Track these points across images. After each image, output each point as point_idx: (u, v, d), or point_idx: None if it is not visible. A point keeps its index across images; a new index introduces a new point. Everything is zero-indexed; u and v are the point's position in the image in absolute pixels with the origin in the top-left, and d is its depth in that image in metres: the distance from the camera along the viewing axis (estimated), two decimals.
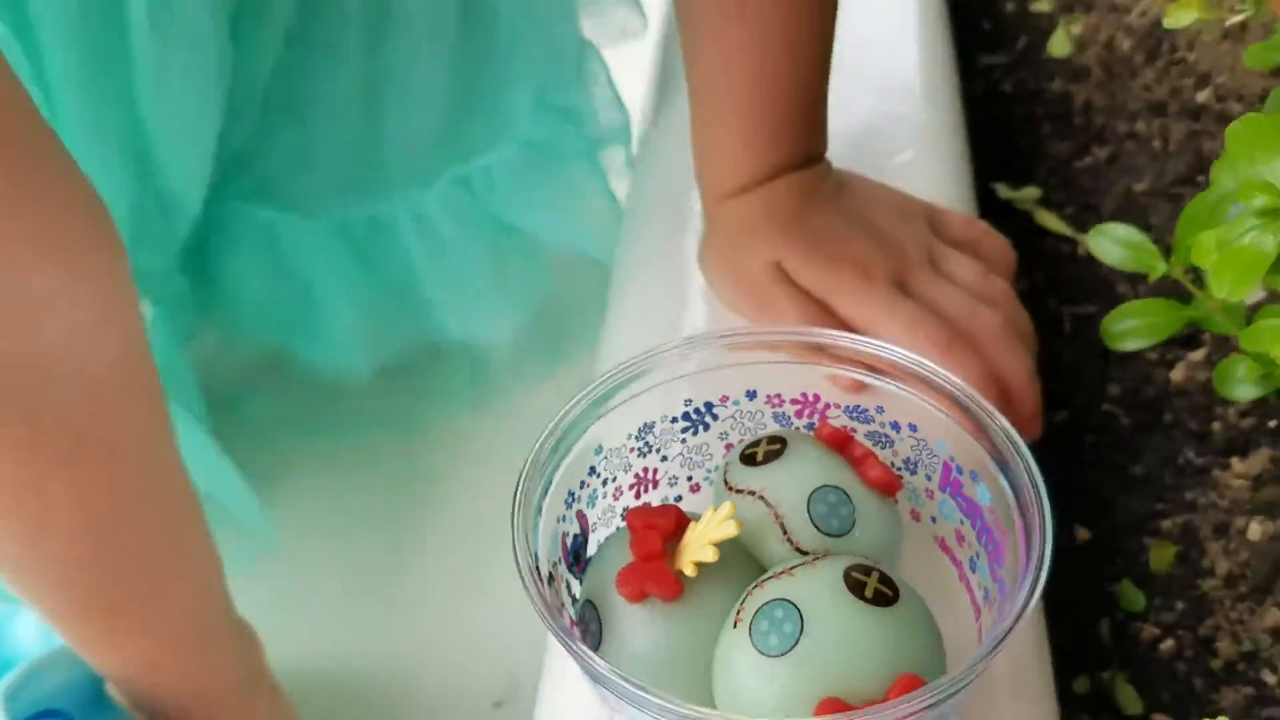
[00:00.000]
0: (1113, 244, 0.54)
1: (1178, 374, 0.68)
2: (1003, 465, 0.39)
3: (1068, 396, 0.68)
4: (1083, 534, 0.62)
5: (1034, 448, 0.57)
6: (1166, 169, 0.82)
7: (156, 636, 0.54)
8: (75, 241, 0.43)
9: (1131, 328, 0.52)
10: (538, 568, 0.38)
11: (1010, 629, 0.34)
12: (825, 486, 0.41)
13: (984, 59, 0.94)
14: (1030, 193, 0.81)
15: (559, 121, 0.78)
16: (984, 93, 0.91)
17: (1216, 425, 0.65)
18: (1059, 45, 0.94)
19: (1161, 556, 0.60)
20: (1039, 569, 0.36)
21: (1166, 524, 0.62)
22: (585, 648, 0.36)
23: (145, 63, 0.55)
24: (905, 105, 0.67)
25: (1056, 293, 0.74)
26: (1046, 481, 0.63)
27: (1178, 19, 0.52)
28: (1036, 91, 0.91)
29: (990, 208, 0.80)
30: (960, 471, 0.41)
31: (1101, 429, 0.67)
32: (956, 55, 0.86)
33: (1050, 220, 0.79)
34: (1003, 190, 0.81)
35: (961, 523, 0.42)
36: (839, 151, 0.60)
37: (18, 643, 0.57)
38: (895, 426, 0.43)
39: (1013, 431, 0.40)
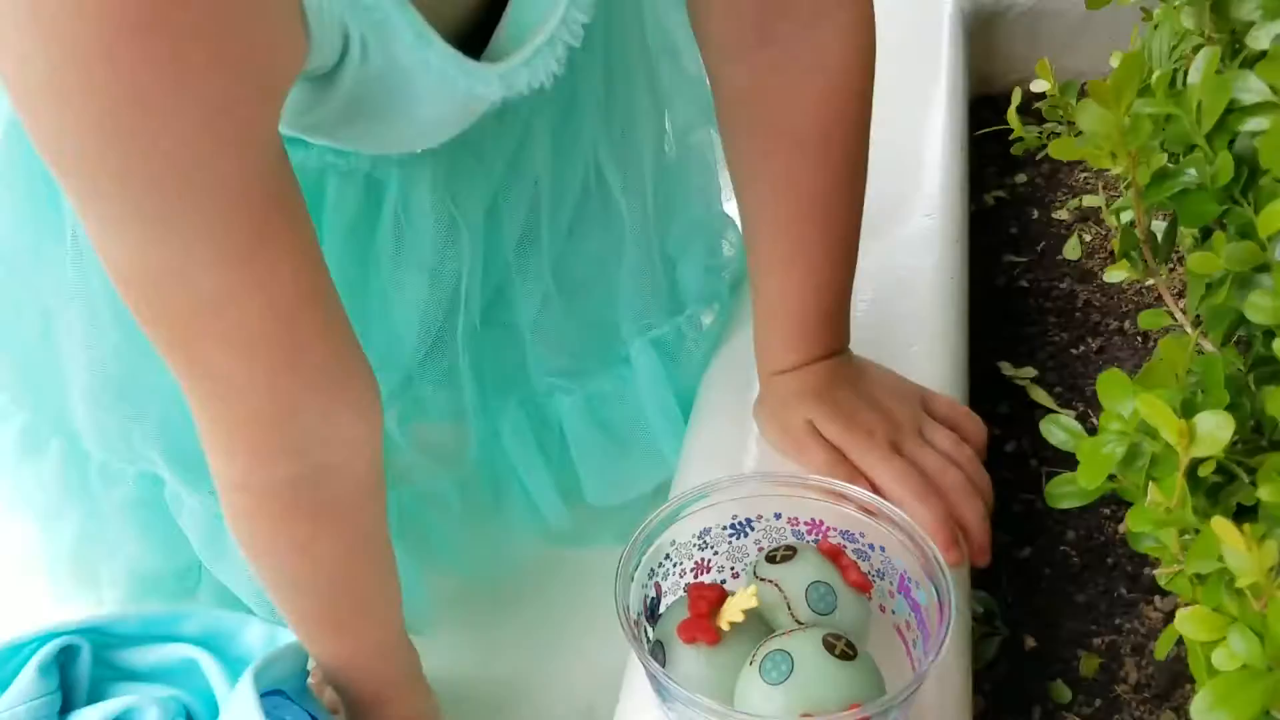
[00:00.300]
0: (1059, 430, 0.74)
1: (1123, 526, 0.87)
2: (934, 580, 0.60)
3: (1034, 537, 0.87)
4: (1030, 643, 0.81)
5: (994, 573, 0.77)
6: (1144, 360, 1.01)
7: (363, 640, 0.76)
8: (362, 391, 0.64)
9: (1067, 491, 0.72)
10: (629, 613, 0.60)
11: (923, 674, 0.55)
12: (819, 581, 0.62)
13: (1008, 257, 1.14)
14: (1028, 372, 1.00)
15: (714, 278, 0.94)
16: (1004, 286, 1.11)
17: (1147, 570, 0.84)
18: (1072, 249, 1.13)
19: (1089, 664, 0.77)
20: (940, 644, 0.56)
21: (1097, 641, 0.80)
22: (656, 664, 0.57)
23: (384, 262, 0.76)
24: (920, 306, 0.88)
25: (1038, 454, 0.93)
26: (1011, 601, 0.84)
27: (1113, 276, 0.72)
28: (1048, 288, 1.10)
29: (993, 381, 0.99)
30: (910, 581, 0.62)
31: (1057, 565, 0.85)
32: (984, 255, 1.05)
33: (1041, 396, 0.98)
34: (1006, 368, 1.00)
35: (910, 615, 0.63)
36: (865, 339, 0.80)
37: (247, 643, 0.78)
38: (872, 547, 0.64)
39: (942, 560, 0.60)
